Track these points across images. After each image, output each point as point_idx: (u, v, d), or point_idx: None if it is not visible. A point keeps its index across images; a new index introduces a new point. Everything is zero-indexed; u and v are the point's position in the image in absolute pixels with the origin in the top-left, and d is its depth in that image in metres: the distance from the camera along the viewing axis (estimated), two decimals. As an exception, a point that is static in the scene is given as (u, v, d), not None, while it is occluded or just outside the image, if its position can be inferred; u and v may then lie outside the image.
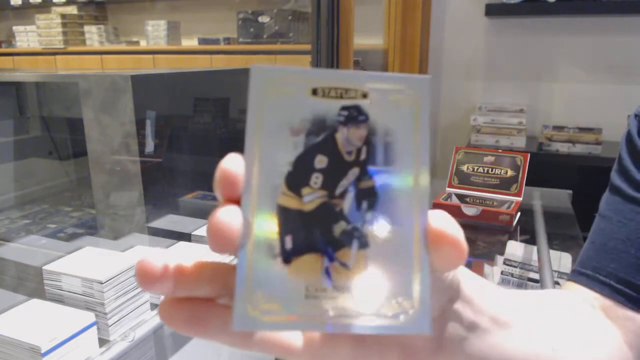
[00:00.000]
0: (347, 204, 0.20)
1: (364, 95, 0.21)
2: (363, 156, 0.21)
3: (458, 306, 0.28)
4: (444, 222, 0.21)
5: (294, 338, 0.24)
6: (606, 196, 0.47)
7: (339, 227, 0.20)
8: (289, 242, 0.20)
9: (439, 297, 0.27)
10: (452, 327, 0.28)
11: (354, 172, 0.21)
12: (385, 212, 0.20)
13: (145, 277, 0.21)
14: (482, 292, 0.30)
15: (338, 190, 0.21)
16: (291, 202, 0.20)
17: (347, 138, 0.21)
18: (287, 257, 0.20)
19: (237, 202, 0.20)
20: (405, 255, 0.20)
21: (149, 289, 0.21)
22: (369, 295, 0.20)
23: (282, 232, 0.20)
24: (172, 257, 0.22)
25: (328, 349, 0.25)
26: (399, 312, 0.20)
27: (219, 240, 0.20)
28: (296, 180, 0.20)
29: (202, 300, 0.22)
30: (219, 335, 0.22)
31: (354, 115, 0.21)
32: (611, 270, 0.43)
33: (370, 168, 0.21)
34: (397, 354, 0.27)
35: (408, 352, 0.27)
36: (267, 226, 0.20)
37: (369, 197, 0.21)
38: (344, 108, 0.20)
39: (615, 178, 0.47)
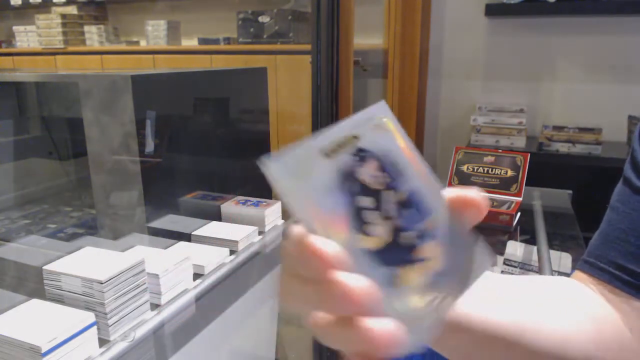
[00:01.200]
0: (400, 217, 0.25)
1: (355, 137, 0.25)
2: (387, 179, 0.26)
3: None
4: (460, 192, 0.27)
5: None
6: (618, 187, 0.49)
7: (406, 237, 0.25)
8: (389, 266, 0.25)
9: None
10: None
11: (389, 193, 0.25)
12: (422, 207, 0.26)
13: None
14: None
15: (389, 213, 0.25)
16: (368, 242, 0.24)
17: (369, 174, 0.25)
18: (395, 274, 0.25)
19: (333, 267, 0.22)
20: (446, 229, 0.27)
21: None
22: (448, 268, 0.26)
23: (384, 263, 0.24)
24: None
25: None
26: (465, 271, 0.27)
27: (363, 300, 0.22)
28: (359, 225, 0.24)
29: None
30: None
31: (363, 156, 0.25)
32: (611, 258, 0.45)
33: (396, 184, 0.26)
34: None
35: None
36: (374, 272, 0.24)
37: (408, 204, 0.26)
38: (353, 155, 0.25)
39: (627, 170, 0.48)
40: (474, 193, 0.27)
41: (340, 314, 0.22)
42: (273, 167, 0.23)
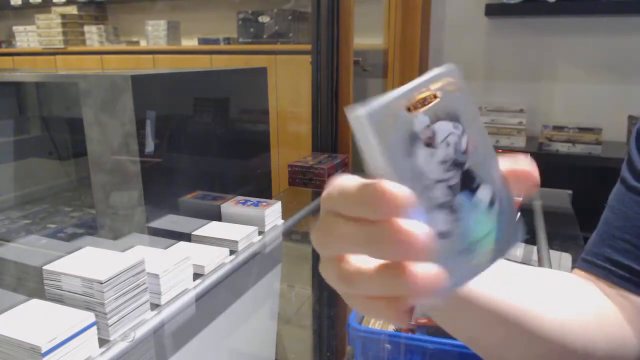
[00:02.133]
0: (457, 194, 0.26)
1: (435, 96, 0.25)
2: (455, 147, 0.25)
3: None
4: (513, 164, 0.27)
5: None
6: (615, 187, 0.51)
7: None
8: None
9: None
10: None
11: (454, 165, 0.25)
12: (482, 178, 0.26)
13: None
14: None
15: (450, 183, 0.25)
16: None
17: (440, 140, 0.25)
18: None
19: (403, 209, 0.23)
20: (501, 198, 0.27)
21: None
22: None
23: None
24: None
25: None
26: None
27: (423, 246, 0.22)
28: (420, 192, 0.24)
29: None
30: None
31: (436, 119, 0.25)
32: (607, 255, 0.47)
33: (461, 154, 0.25)
34: None
35: None
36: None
37: (468, 175, 0.26)
38: (427, 113, 0.24)
39: (623, 169, 0.50)
40: (525, 164, 0.27)
41: (389, 257, 0.22)
42: (360, 115, 0.22)
